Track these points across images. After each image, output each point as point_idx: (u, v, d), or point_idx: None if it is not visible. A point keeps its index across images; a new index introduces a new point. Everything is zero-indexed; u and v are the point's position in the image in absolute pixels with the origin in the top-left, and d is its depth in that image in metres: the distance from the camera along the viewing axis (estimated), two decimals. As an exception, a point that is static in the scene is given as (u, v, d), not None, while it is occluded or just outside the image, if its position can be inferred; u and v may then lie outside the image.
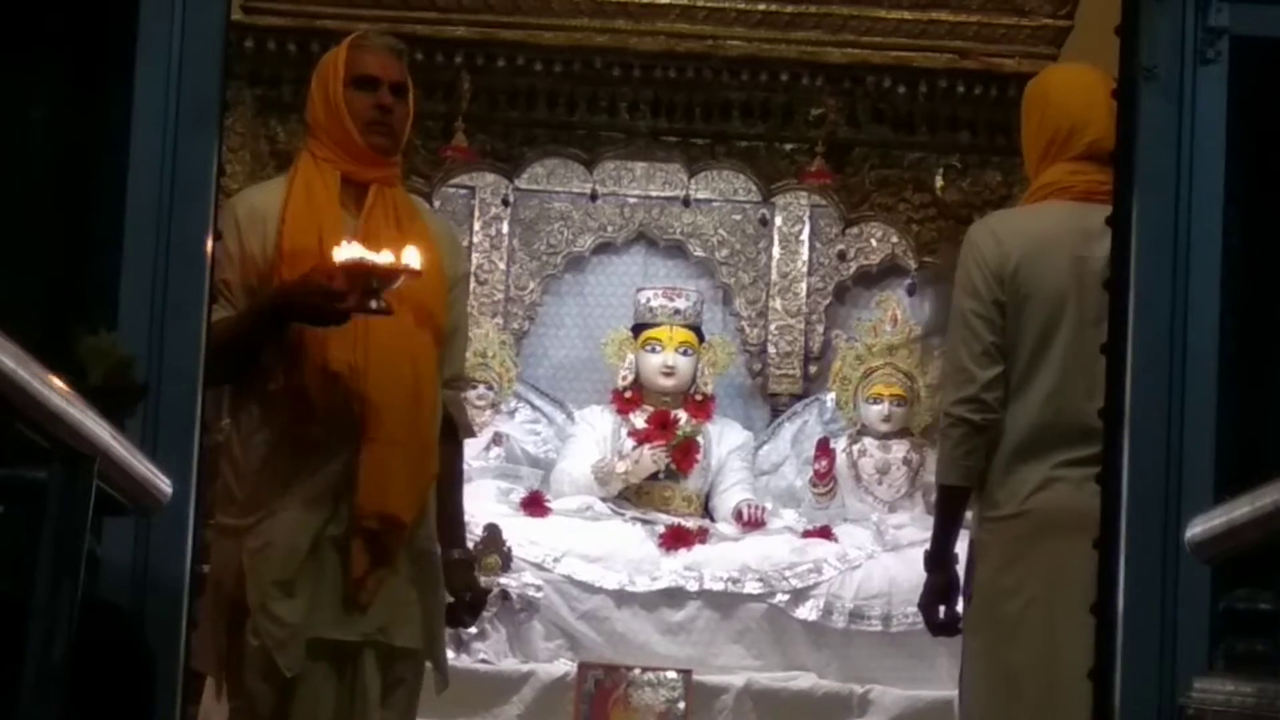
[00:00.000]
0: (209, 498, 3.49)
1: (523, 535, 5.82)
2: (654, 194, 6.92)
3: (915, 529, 5.94)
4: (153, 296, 3.33)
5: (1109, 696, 3.28)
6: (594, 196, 6.64)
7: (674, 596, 5.81)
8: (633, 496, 6.33)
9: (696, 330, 6.54)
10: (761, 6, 5.93)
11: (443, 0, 5.86)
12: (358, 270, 3.20)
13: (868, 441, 6.43)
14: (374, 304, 3.22)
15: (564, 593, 5.78)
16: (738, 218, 6.96)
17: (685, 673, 5.63)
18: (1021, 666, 3.53)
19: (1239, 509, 2.57)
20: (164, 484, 3.11)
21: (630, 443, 6.37)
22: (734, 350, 6.78)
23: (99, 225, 3.39)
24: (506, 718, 5.59)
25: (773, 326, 6.92)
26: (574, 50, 5.90)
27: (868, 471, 6.39)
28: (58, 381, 2.38)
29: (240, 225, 3.42)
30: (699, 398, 6.51)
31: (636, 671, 5.61)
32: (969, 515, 3.72)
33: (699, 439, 6.42)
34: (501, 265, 6.89)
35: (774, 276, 6.92)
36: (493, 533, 5.68)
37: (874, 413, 6.41)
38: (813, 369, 6.90)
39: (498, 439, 6.43)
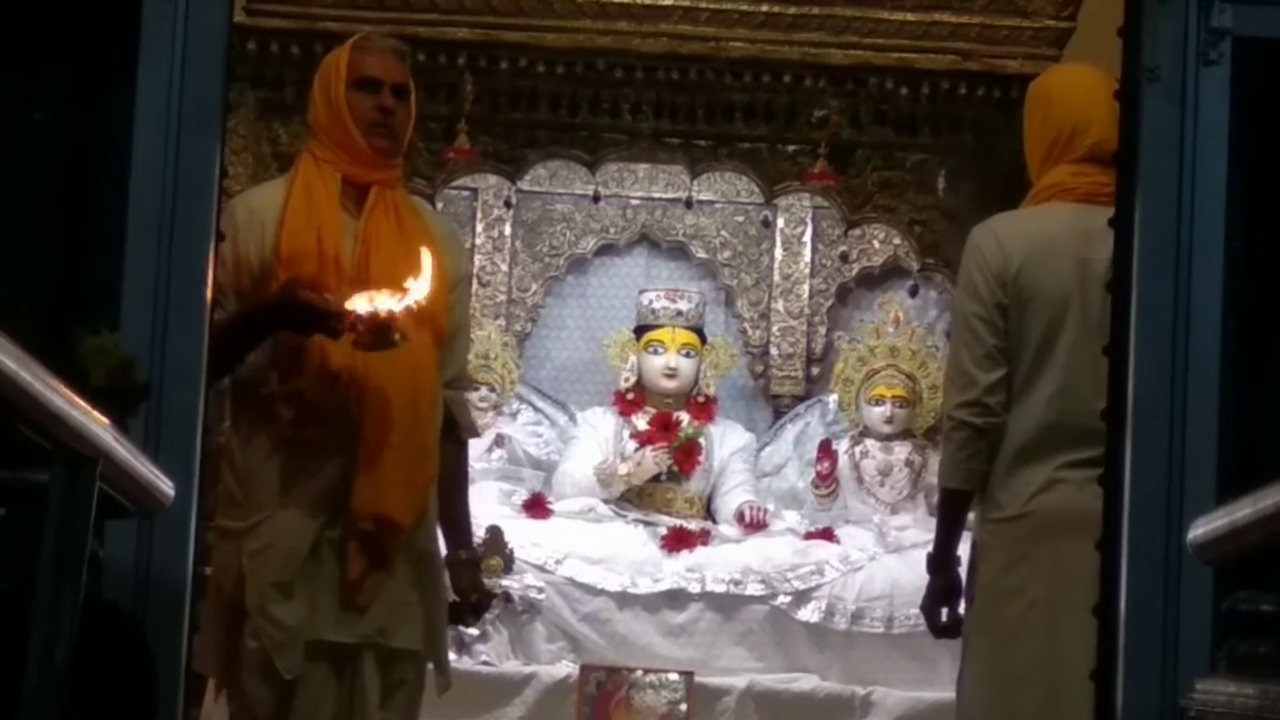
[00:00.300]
0: (211, 500, 3.49)
1: (525, 537, 5.82)
2: (656, 195, 6.92)
3: (917, 531, 5.94)
4: (155, 298, 3.33)
5: (1111, 698, 3.28)
6: (596, 198, 6.64)
7: (676, 598, 5.81)
8: (635, 498, 6.33)
9: (699, 332, 6.54)
10: (764, 8, 5.93)
11: (445, 2, 5.86)
12: (373, 320, 3.22)
13: (870, 443, 6.43)
14: (395, 338, 3.24)
15: (566, 594, 5.78)
16: (740, 219, 6.96)
17: (687, 674, 5.63)
18: (1023, 668, 3.53)
19: (1241, 510, 2.57)
20: (166, 486, 3.11)
21: (632, 444, 6.37)
22: (736, 352, 6.78)
23: (101, 227, 3.39)
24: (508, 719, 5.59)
25: (775, 328, 6.92)
26: (576, 52, 5.91)
27: (870, 473, 6.39)
28: (60, 383, 2.38)
29: (238, 229, 3.43)
30: (701, 399, 6.51)
31: (638, 673, 5.61)
32: (970, 517, 3.72)
33: (701, 441, 6.42)
34: (504, 267, 6.90)
35: (776, 278, 6.92)
36: (495, 534, 5.68)
37: (876, 414, 6.41)
38: (815, 370, 6.90)
39: (500, 441, 6.43)
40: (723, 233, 6.95)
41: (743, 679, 5.68)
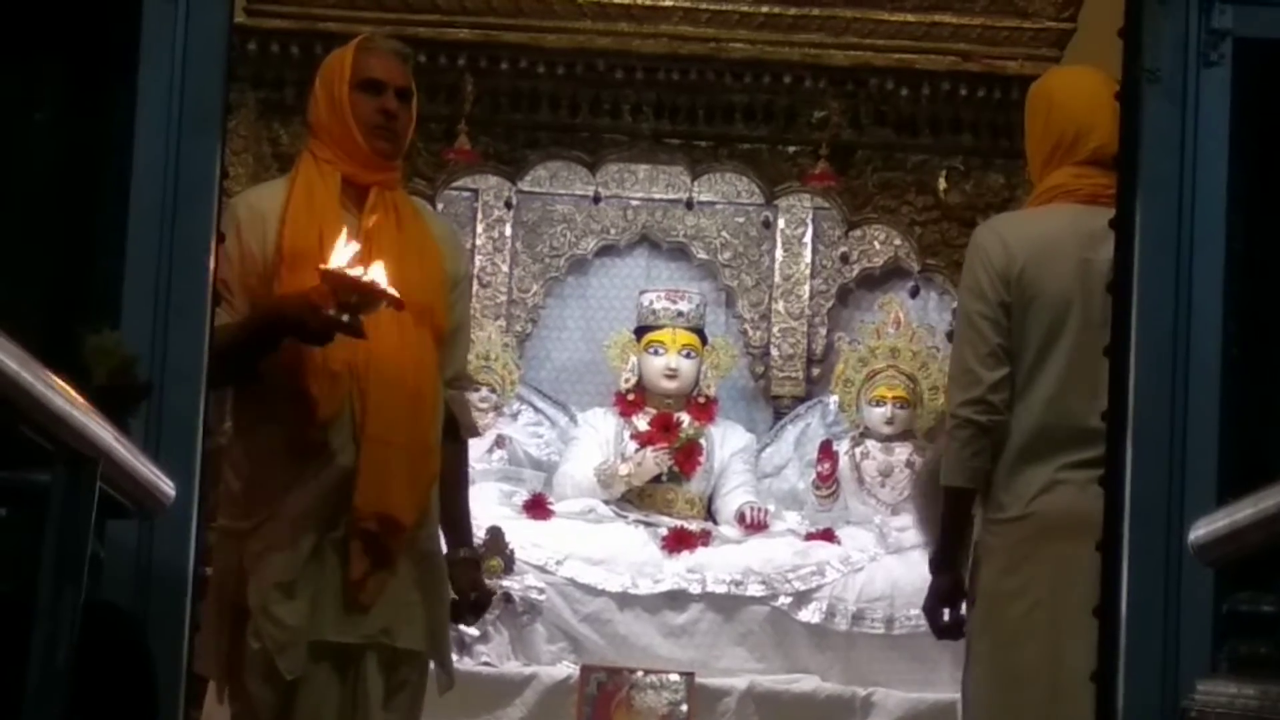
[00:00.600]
0: (212, 500, 3.49)
1: (525, 538, 5.82)
2: (657, 196, 6.92)
3: (918, 531, 5.94)
4: (156, 299, 3.33)
5: (1112, 699, 3.28)
6: (597, 199, 6.64)
7: (676, 599, 5.81)
8: (635, 499, 6.33)
9: (699, 333, 6.54)
10: (765, 9, 5.93)
11: (446, 3, 5.86)
12: (338, 281, 3.19)
13: (870, 444, 6.43)
14: (344, 317, 3.18)
15: (566, 595, 5.78)
16: (740, 220, 6.96)
17: (688, 675, 5.63)
18: (1025, 669, 3.53)
19: (1242, 511, 2.57)
20: (167, 486, 3.12)
21: (633, 445, 6.37)
22: (737, 353, 6.78)
23: (102, 228, 3.39)
24: (509, 720, 5.60)
25: (775, 329, 6.92)
26: (577, 53, 5.90)
27: (870, 474, 6.39)
28: (61, 384, 2.38)
29: (241, 226, 3.42)
30: (701, 400, 6.52)
31: (639, 674, 5.61)
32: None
33: (701, 441, 6.42)
34: (504, 268, 6.90)
35: (777, 279, 6.92)
36: (495, 535, 5.68)
37: (877, 415, 6.42)
38: (815, 371, 6.90)
39: (500, 441, 6.43)
40: (723, 233, 6.95)
41: (743, 680, 5.68)
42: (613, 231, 6.96)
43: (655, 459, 6.30)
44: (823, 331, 6.92)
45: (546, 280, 6.94)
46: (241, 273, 3.40)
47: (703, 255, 6.95)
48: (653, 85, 5.96)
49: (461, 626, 5.03)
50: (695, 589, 5.81)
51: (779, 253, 6.93)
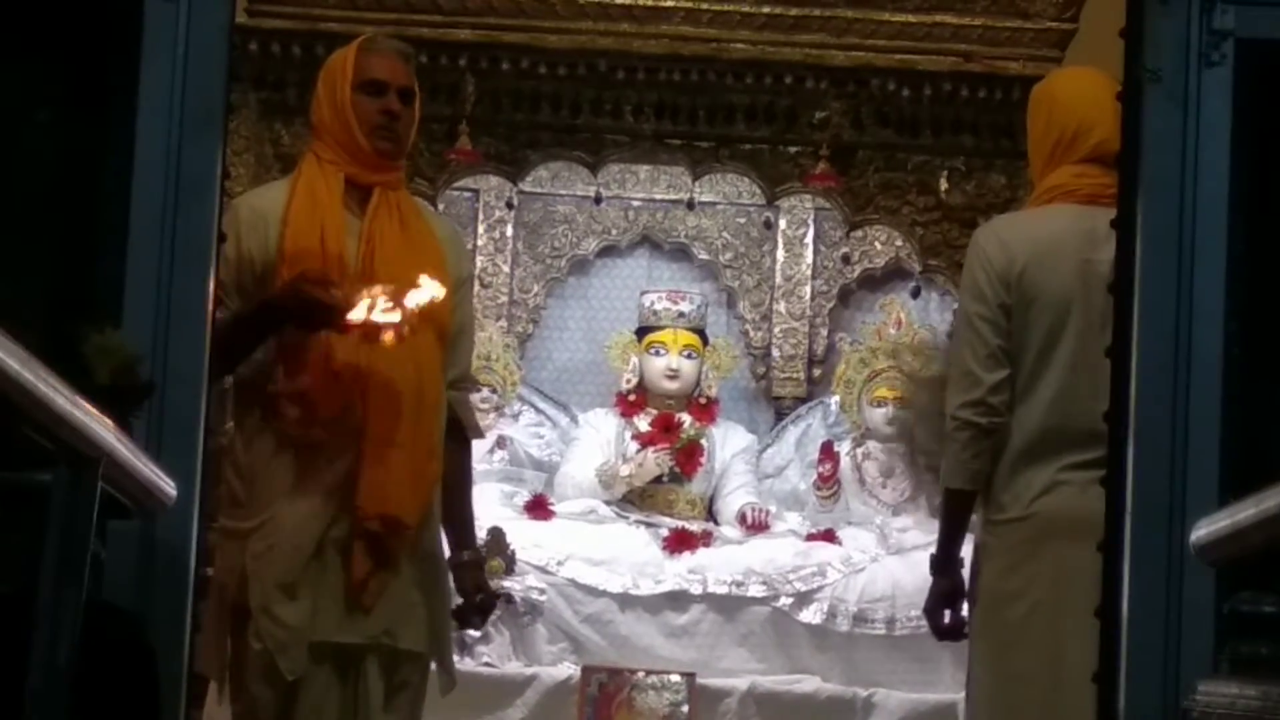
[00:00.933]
0: (213, 500, 3.49)
1: (526, 538, 5.82)
2: (658, 197, 6.92)
3: (919, 532, 5.95)
4: (157, 299, 3.33)
5: (1113, 700, 3.28)
6: (598, 199, 6.64)
7: (678, 600, 5.81)
8: (636, 500, 6.33)
9: (700, 333, 6.54)
10: (766, 10, 5.93)
11: (447, 3, 5.86)
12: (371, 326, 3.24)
13: (872, 445, 6.44)
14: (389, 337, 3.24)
15: (568, 596, 5.78)
16: (742, 221, 6.96)
17: (689, 676, 5.63)
18: (1026, 670, 3.53)
19: (1243, 512, 2.57)
20: (169, 486, 3.12)
21: (634, 446, 6.37)
22: (738, 353, 6.78)
23: (103, 228, 3.39)
24: (510, 721, 5.60)
25: (777, 329, 6.92)
26: (578, 53, 5.91)
27: (871, 475, 6.39)
28: (62, 384, 2.38)
29: (242, 228, 3.43)
30: (703, 401, 6.52)
31: (640, 675, 5.61)
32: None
33: (703, 442, 6.42)
34: (505, 268, 6.90)
35: (778, 279, 6.92)
36: (496, 536, 5.68)
37: (878, 416, 6.42)
38: (816, 372, 6.90)
39: (501, 442, 6.43)
40: (724, 234, 6.95)
41: (744, 680, 5.68)
42: (614, 232, 6.96)
43: (656, 460, 6.30)
44: (824, 332, 6.92)
45: (548, 281, 6.94)
46: (238, 275, 3.41)
47: (704, 256, 6.95)
48: (654, 86, 5.96)
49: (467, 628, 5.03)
50: (696, 590, 5.81)
51: (780, 253, 6.93)
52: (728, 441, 6.50)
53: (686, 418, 6.45)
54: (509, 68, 5.92)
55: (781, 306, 6.91)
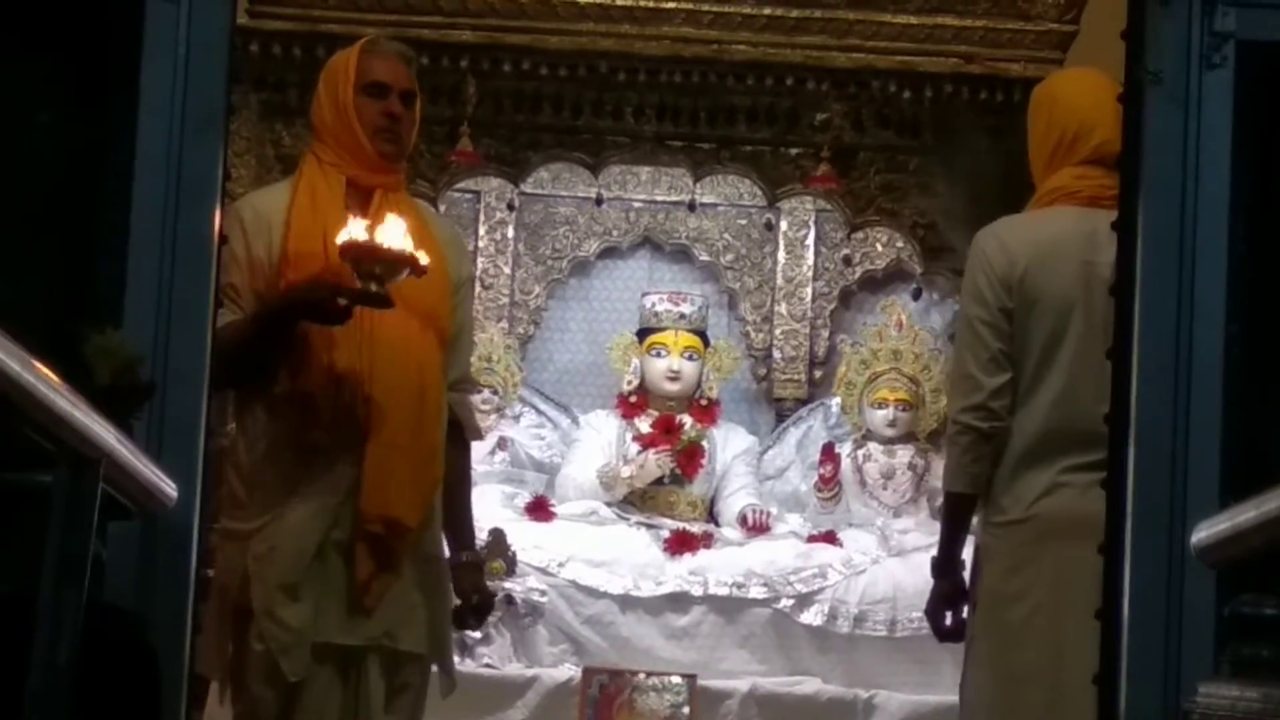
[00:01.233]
0: (214, 502, 3.49)
1: (527, 540, 5.82)
2: (659, 198, 6.93)
3: (920, 534, 5.95)
4: (158, 300, 3.33)
5: (1114, 702, 3.28)
6: (599, 201, 6.64)
7: (679, 601, 5.82)
8: (637, 501, 6.33)
9: (702, 335, 6.55)
10: (767, 11, 5.92)
11: (448, 5, 5.86)
12: (360, 251, 3.19)
13: (873, 446, 6.44)
14: (373, 287, 3.17)
15: (569, 597, 5.78)
16: (743, 222, 6.97)
17: (690, 677, 5.63)
18: (1026, 672, 3.52)
19: (1244, 514, 2.57)
20: (169, 487, 3.12)
21: (635, 447, 6.37)
22: (739, 355, 6.79)
23: (104, 229, 3.39)
24: (510, 722, 5.60)
25: (778, 331, 6.92)
26: (579, 55, 5.90)
27: (873, 476, 6.39)
28: (63, 385, 2.38)
29: (246, 229, 3.42)
30: (704, 402, 6.52)
31: (641, 676, 5.61)
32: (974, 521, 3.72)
33: (704, 444, 6.42)
34: (506, 270, 6.90)
35: (779, 281, 6.92)
36: (497, 537, 5.68)
37: (879, 417, 6.42)
38: (818, 374, 6.91)
39: (502, 443, 6.43)
40: (725, 236, 6.96)
41: (745, 682, 5.68)
42: (615, 233, 6.96)
43: (657, 461, 6.30)
44: (825, 334, 6.92)
45: (549, 282, 6.95)
46: (250, 277, 3.40)
47: (705, 257, 6.95)
48: (655, 87, 5.96)
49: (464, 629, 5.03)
50: (697, 591, 5.81)
51: (781, 255, 6.94)
52: (729, 443, 6.50)
53: (687, 419, 6.45)
54: (510, 69, 5.92)
55: (782, 308, 6.92)
